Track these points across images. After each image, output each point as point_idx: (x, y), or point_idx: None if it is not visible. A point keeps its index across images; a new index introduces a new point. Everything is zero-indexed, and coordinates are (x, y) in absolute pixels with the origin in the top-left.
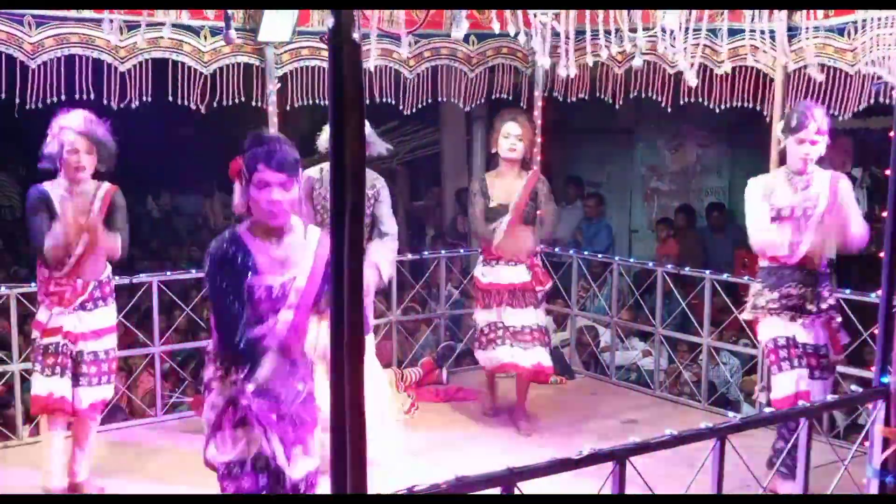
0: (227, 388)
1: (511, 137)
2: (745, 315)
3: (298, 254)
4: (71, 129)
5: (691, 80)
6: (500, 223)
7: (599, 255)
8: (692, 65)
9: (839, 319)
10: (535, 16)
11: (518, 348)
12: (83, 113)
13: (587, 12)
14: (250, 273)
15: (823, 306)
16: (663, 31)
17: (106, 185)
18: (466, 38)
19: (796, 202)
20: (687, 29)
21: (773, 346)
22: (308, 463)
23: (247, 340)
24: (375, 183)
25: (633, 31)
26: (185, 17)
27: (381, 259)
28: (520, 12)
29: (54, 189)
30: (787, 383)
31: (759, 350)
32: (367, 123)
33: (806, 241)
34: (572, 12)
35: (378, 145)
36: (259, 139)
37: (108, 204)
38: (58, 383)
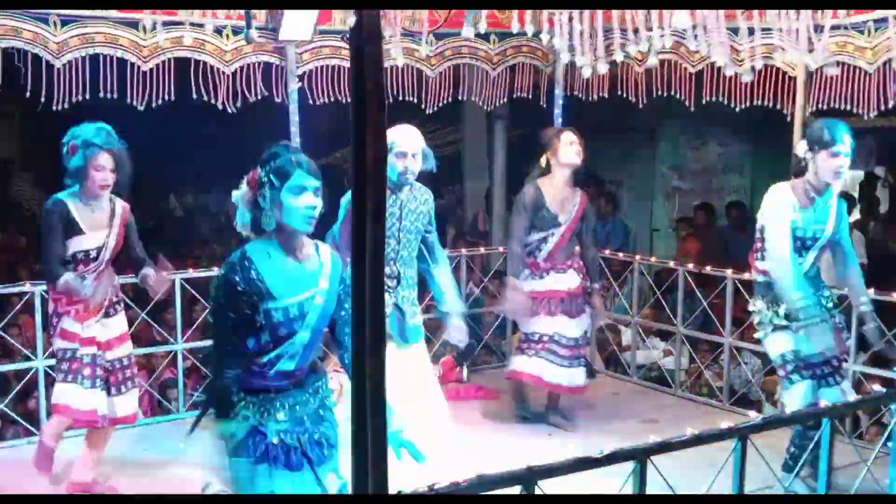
0: (247, 417)
1: (575, 144)
2: (759, 335)
3: (314, 271)
4: (97, 145)
5: (746, 76)
6: (553, 234)
7: (620, 255)
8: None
9: (839, 318)
10: (559, 14)
11: (560, 367)
12: (103, 125)
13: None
14: (266, 299)
15: (828, 314)
16: (687, 30)
17: (120, 201)
18: (487, 37)
19: (809, 224)
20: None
21: (782, 362)
22: (336, 481)
23: (262, 365)
24: (428, 198)
25: (650, 29)
26: (207, 16)
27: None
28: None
29: (73, 200)
30: (796, 397)
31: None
32: (421, 137)
33: (807, 261)
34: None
35: (430, 158)
36: (284, 148)
37: (125, 221)
38: (99, 398)
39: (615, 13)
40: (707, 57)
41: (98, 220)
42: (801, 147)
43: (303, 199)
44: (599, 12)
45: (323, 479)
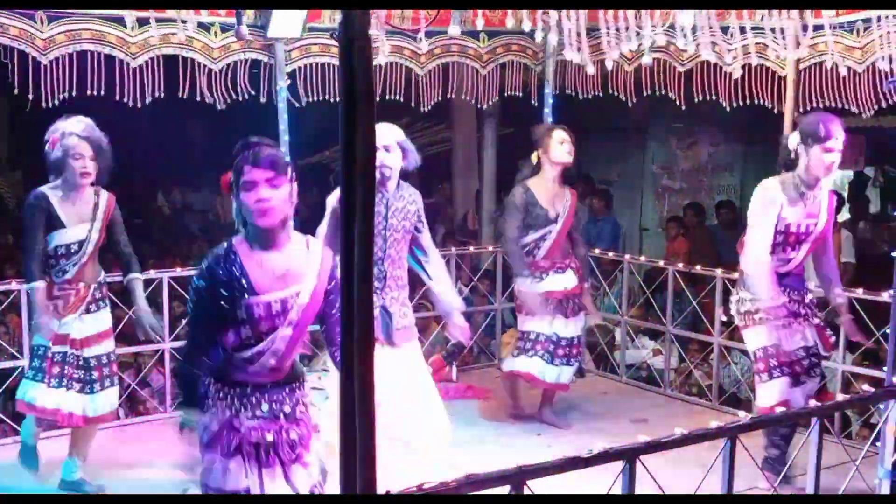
0: (223, 411)
1: (566, 143)
2: (730, 317)
3: (300, 267)
4: (75, 134)
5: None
6: (550, 232)
7: (610, 254)
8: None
9: (819, 316)
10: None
11: (550, 364)
12: (84, 118)
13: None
14: (247, 294)
15: (805, 310)
16: (678, 28)
17: (105, 193)
18: (476, 35)
19: (801, 218)
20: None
21: (763, 356)
22: (308, 479)
23: (244, 360)
24: (416, 198)
25: (640, 27)
26: (196, 14)
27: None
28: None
29: (54, 194)
30: (773, 392)
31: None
32: (400, 131)
33: (800, 255)
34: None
35: (411, 155)
36: (244, 144)
37: (109, 214)
38: (66, 397)
39: (604, 12)
40: (697, 55)
41: (81, 214)
42: (792, 139)
43: (252, 194)
44: (592, 10)
45: (292, 477)
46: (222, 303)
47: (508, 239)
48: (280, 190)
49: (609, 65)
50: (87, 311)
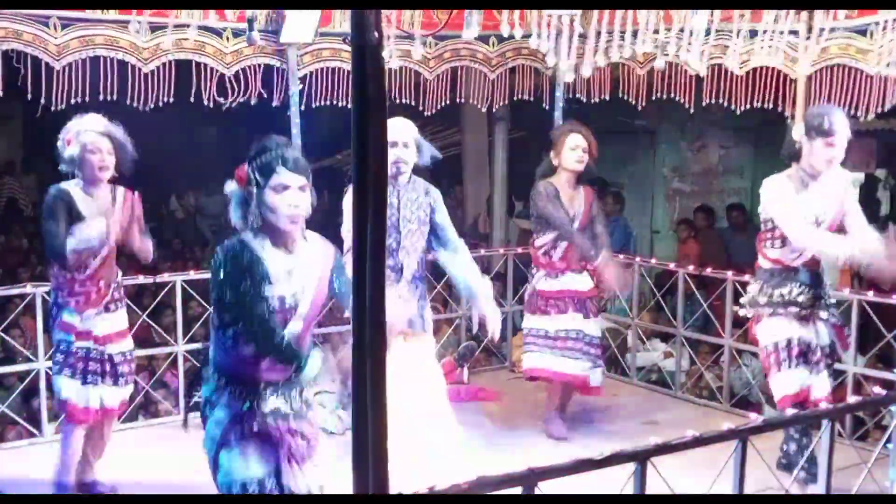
0: (235, 408)
1: (578, 150)
2: (744, 311)
3: (308, 264)
4: (92, 130)
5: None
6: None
7: (621, 256)
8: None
9: (837, 315)
10: (559, 17)
11: (576, 361)
12: (98, 116)
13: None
14: (265, 282)
15: (825, 310)
16: (688, 32)
17: (122, 189)
18: (486, 40)
19: (814, 206)
20: (708, 30)
21: (774, 349)
22: (318, 476)
23: (255, 356)
24: (429, 190)
25: (656, 31)
26: (210, 18)
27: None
28: (534, 14)
29: (74, 190)
30: (788, 383)
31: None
32: (415, 128)
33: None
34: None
35: (426, 151)
36: (272, 143)
37: (129, 208)
38: (94, 392)
39: (608, 14)
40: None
41: (100, 208)
42: (797, 130)
43: (286, 197)
44: (594, 14)
45: (307, 474)
46: (247, 283)
47: (563, 225)
48: (307, 195)
49: (615, 57)
50: (107, 309)
